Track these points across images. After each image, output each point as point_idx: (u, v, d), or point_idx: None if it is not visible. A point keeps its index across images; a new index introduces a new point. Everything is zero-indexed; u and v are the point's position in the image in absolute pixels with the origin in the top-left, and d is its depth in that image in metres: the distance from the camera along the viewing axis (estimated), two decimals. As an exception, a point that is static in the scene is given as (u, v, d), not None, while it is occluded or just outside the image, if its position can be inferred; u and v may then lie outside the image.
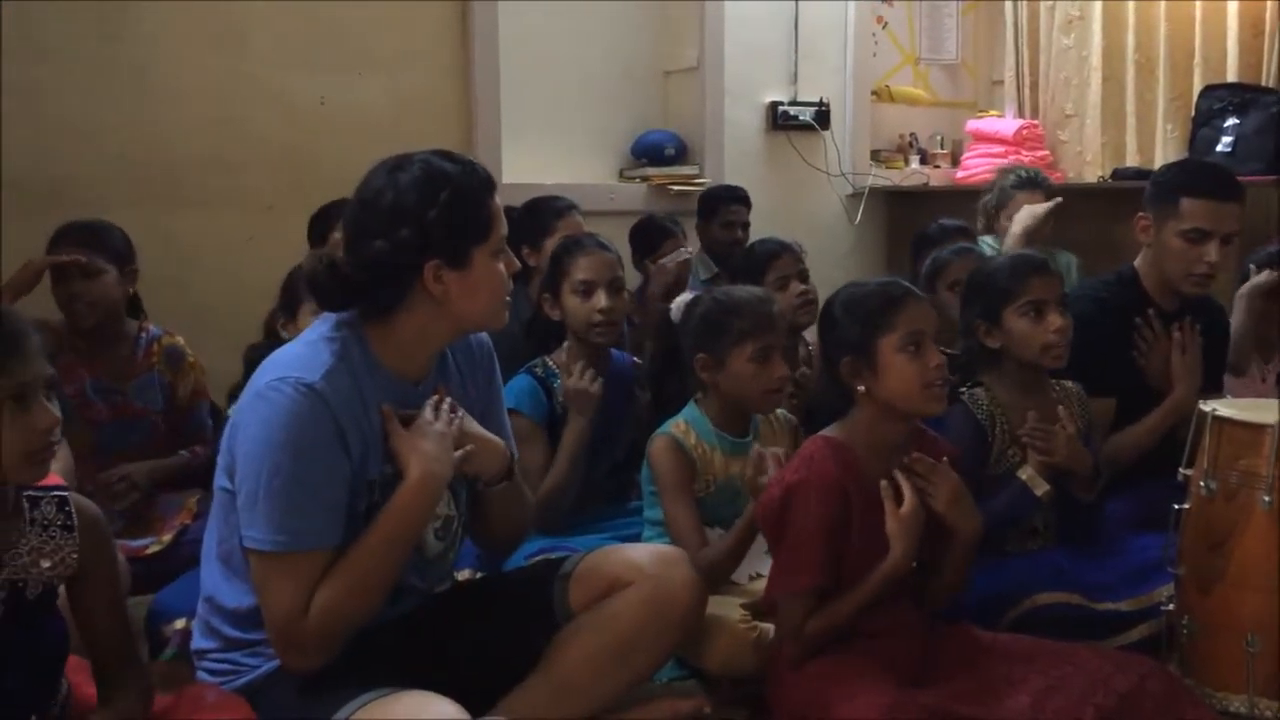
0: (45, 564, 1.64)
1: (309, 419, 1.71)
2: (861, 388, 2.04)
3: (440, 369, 1.94)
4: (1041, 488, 2.34)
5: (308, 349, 1.80)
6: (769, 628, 2.14)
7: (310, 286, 1.87)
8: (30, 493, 1.66)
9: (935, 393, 2.02)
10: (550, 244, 3.36)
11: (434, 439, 1.81)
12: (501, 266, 1.86)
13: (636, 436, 2.68)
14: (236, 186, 3.79)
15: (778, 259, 3.14)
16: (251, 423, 1.74)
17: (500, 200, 1.88)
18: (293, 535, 1.70)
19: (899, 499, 2.00)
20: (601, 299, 2.76)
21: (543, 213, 3.52)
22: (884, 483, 2.01)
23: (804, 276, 3.17)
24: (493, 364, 2.07)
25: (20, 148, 3.44)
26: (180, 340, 3.04)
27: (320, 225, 3.24)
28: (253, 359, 2.60)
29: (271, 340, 2.61)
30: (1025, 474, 2.35)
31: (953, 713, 1.84)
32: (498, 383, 2.10)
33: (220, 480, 1.82)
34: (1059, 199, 3.76)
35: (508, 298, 1.90)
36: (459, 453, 1.85)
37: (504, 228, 1.86)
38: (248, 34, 3.84)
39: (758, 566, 2.35)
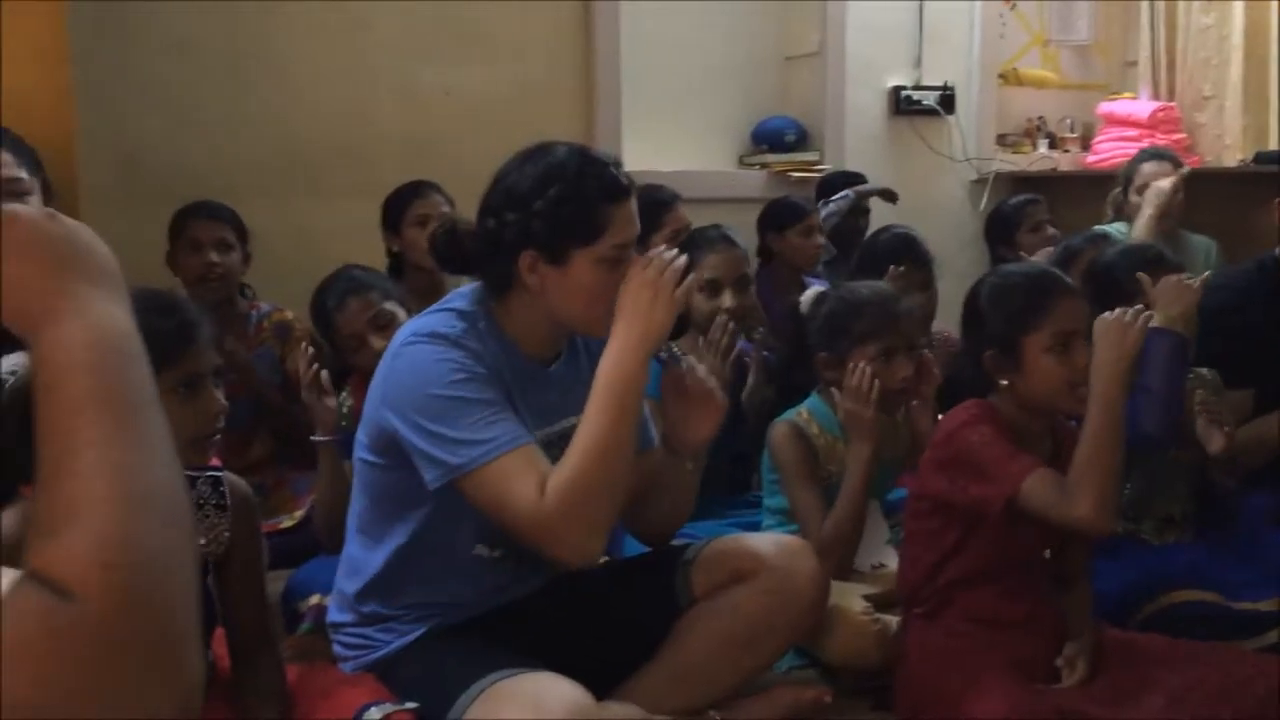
0: (200, 542, 1.69)
1: (454, 354, 1.73)
2: (1004, 382, 1.98)
3: (570, 353, 1.96)
4: (1164, 320, 2.22)
5: (439, 316, 1.83)
6: (892, 619, 2.12)
7: (431, 246, 1.95)
8: (186, 472, 1.72)
9: (1081, 394, 1.90)
10: (658, 239, 3.27)
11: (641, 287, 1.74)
12: (614, 276, 1.77)
13: (759, 426, 2.66)
14: (364, 176, 3.86)
15: (898, 266, 3.00)
16: (398, 375, 1.77)
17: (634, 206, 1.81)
18: (488, 442, 1.67)
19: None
20: (727, 298, 2.74)
21: (647, 207, 3.39)
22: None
23: (925, 284, 3.04)
24: None
25: (152, 139, 3.56)
26: (290, 315, 3.08)
27: (394, 210, 3.28)
28: None
29: None
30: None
31: (1084, 713, 1.80)
32: None
33: (360, 453, 1.86)
34: (1185, 169, 3.65)
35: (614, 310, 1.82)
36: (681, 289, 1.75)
37: (623, 236, 1.79)
38: (374, 26, 3.91)
39: (880, 556, 2.32)
